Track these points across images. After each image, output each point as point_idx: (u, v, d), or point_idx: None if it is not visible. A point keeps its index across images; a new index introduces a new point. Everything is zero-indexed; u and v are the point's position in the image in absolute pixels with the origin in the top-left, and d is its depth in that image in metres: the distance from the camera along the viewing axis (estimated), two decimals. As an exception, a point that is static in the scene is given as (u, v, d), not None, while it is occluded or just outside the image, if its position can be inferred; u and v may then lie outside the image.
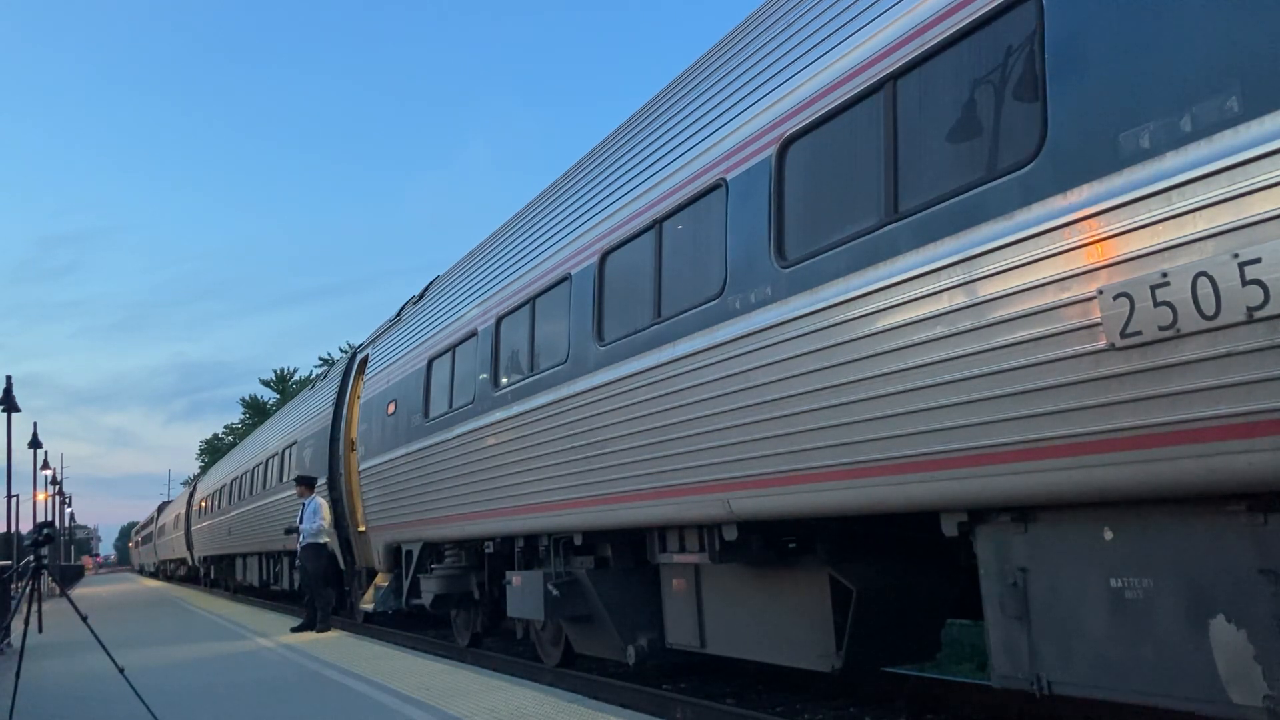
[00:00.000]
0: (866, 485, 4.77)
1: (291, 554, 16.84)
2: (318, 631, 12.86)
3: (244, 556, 24.45)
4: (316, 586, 13.27)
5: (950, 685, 7.36)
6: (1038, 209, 3.89)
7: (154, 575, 55.42)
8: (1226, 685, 3.48)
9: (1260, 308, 3.12)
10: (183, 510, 38.26)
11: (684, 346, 6.14)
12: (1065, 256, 3.75)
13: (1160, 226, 3.43)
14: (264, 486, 20.87)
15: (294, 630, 13.11)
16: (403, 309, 13.38)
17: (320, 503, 13.55)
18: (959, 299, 4.19)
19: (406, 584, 11.82)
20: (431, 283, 12.65)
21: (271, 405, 59.25)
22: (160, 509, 55.49)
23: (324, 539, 13.35)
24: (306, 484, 13.79)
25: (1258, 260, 3.12)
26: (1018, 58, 4.13)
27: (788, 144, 5.46)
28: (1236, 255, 3.18)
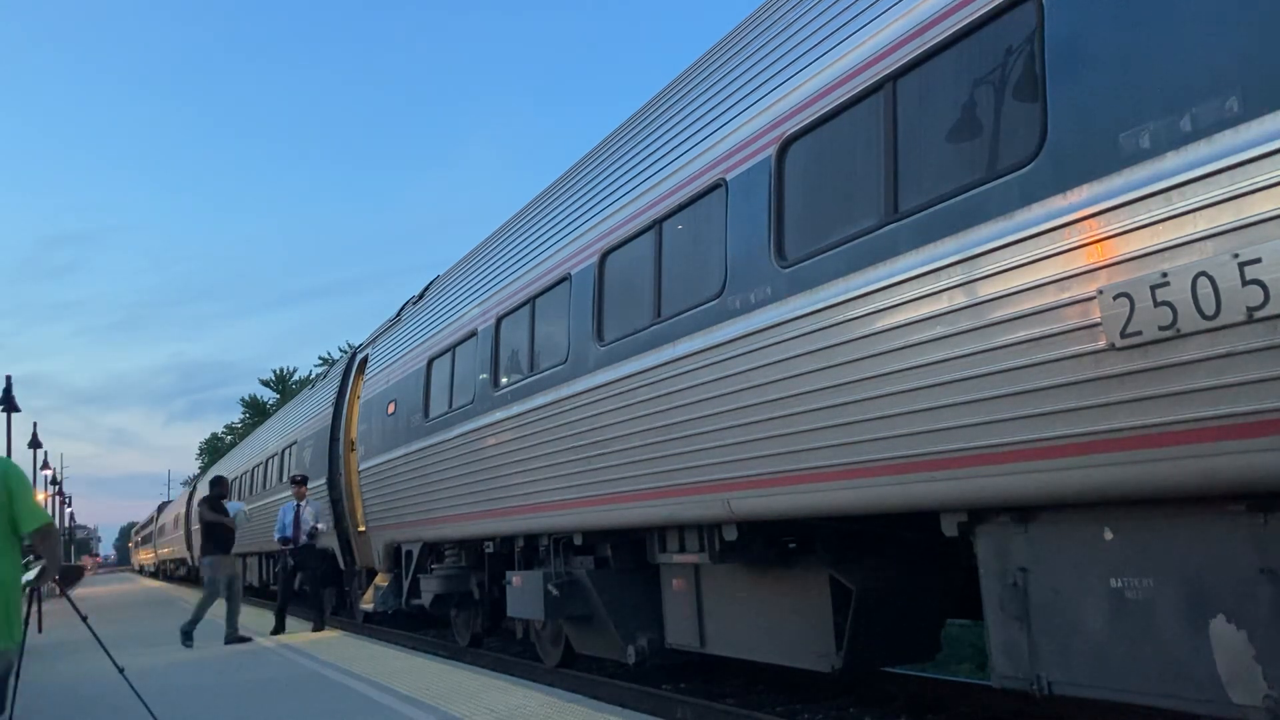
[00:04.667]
0: (866, 485, 4.77)
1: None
2: (314, 630, 12.86)
3: (244, 556, 24.43)
4: (318, 586, 13.35)
5: (950, 685, 7.36)
6: (1038, 209, 3.89)
7: (154, 575, 55.41)
8: (1226, 685, 3.48)
9: (1260, 308, 3.12)
10: (182, 510, 38.22)
11: (684, 346, 6.14)
12: (1065, 256, 3.75)
13: (1160, 226, 3.43)
14: (264, 486, 20.87)
15: (273, 632, 12.96)
16: (403, 309, 13.38)
17: (320, 506, 13.72)
18: (959, 299, 4.19)
19: (406, 584, 11.82)
20: (431, 283, 12.65)
21: (271, 405, 59.21)
22: (160, 509, 55.45)
23: (323, 539, 13.47)
24: (303, 483, 13.86)
25: (1258, 260, 3.12)
26: (1017, 58, 4.13)
27: (788, 144, 5.46)
28: (1236, 255, 3.18)
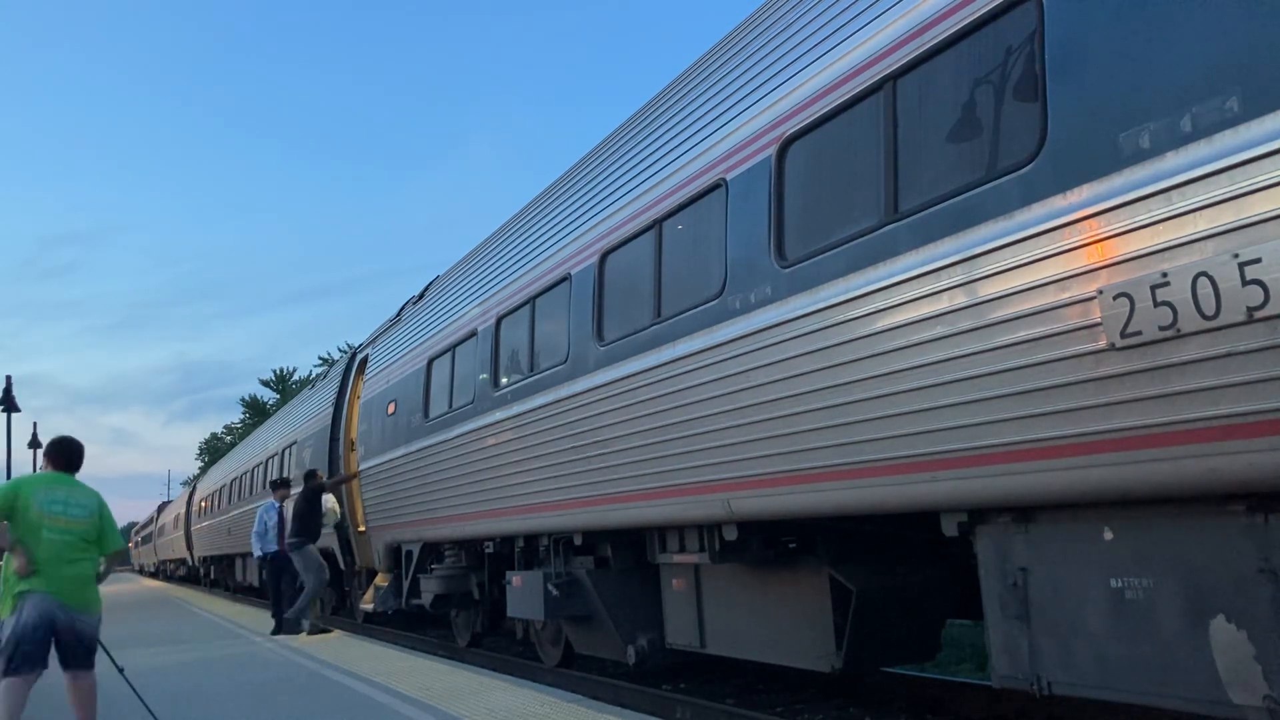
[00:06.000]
0: (866, 485, 4.77)
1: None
2: (309, 633, 12.82)
3: (244, 557, 24.43)
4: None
5: (950, 685, 7.36)
6: (1038, 209, 3.89)
7: (154, 575, 55.41)
8: (1226, 685, 3.48)
9: (1260, 308, 3.12)
10: (182, 510, 38.22)
11: (684, 346, 6.14)
12: (1065, 256, 3.75)
13: (1160, 226, 3.43)
14: (264, 487, 20.85)
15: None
16: (403, 309, 13.37)
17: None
18: (959, 299, 4.19)
19: (406, 584, 11.81)
20: (431, 283, 12.65)
21: (271, 405, 59.24)
22: (160, 509, 55.43)
23: (322, 540, 13.49)
24: (285, 485, 13.99)
25: (1258, 260, 3.13)
26: (1018, 58, 4.13)
27: (788, 144, 5.46)
28: (1237, 255, 3.18)
